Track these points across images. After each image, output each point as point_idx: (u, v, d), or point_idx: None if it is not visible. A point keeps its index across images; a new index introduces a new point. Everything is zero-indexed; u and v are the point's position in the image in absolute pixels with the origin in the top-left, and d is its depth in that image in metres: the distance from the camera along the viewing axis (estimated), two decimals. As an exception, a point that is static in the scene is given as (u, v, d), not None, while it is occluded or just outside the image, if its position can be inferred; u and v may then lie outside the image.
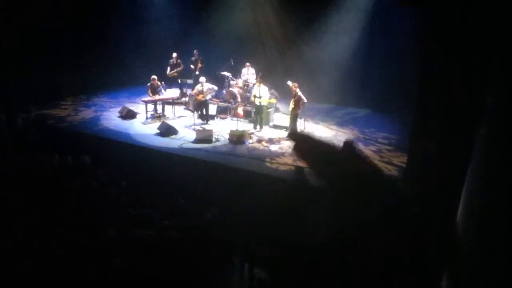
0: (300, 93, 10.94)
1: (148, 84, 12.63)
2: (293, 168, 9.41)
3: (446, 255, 4.32)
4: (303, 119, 11.86)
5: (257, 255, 6.88)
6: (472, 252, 3.60)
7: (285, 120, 11.85)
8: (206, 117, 12.23)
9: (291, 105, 11.10)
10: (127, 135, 11.31)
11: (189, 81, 14.19)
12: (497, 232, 3.16)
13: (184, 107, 13.64)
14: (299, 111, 11.17)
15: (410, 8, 9.56)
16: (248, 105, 12.56)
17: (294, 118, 11.17)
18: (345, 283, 5.74)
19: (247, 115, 12.51)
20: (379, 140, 11.31)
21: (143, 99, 12.73)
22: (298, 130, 11.34)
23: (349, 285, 5.77)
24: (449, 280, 4.03)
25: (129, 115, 12.68)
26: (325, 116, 13.00)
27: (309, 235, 6.67)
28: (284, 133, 11.54)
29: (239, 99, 12.58)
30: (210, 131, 11.27)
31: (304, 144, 6.05)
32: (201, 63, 14.01)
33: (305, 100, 10.98)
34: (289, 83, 11.29)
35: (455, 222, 4.46)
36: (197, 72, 13.93)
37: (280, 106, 13.02)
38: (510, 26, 3.48)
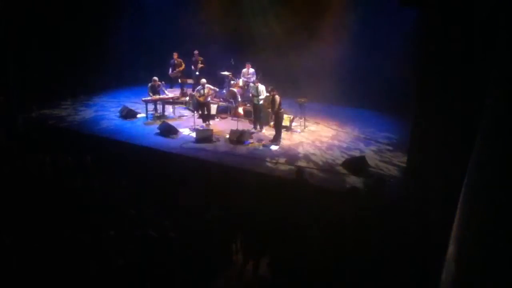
0: (278, 98, 10.72)
1: (149, 84, 12.64)
2: (293, 167, 9.43)
3: (445, 254, 4.32)
4: (303, 118, 11.86)
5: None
6: (472, 252, 3.61)
7: (286, 120, 11.82)
8: (207, 118, 12.23)
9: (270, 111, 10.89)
10: (128, 135, 11.31)
11: (190, 81, 14.22)
12: (497, 231, 3.17)
13: (184, 106, 13.65)
14: (281, 120, 10.94)
15: (411, 8, 9.59)
16: (248, 104, 12.57)
17: (279, 125, 10.90)
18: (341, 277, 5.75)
19: (247, 114, 12.52)
20: (380, 140, 11.30)
21: (143, 98, 12.75)
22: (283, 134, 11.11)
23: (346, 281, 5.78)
24: (448, 279, 4.04)
25: (130, 115, 12.70)
26: (326, 116, 13.00)
27: (307, 232, 6.69)
28: (286, 133, 11.51)
29: (239, 99, 12.58)
30: (211, 130, 11.29)
31: None
32: (201, 63, 14.03)
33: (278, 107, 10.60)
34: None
35: (454, 221, 4.46)
36: (197, 73, 13.96)
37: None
38: (510, 26, 3.48)
